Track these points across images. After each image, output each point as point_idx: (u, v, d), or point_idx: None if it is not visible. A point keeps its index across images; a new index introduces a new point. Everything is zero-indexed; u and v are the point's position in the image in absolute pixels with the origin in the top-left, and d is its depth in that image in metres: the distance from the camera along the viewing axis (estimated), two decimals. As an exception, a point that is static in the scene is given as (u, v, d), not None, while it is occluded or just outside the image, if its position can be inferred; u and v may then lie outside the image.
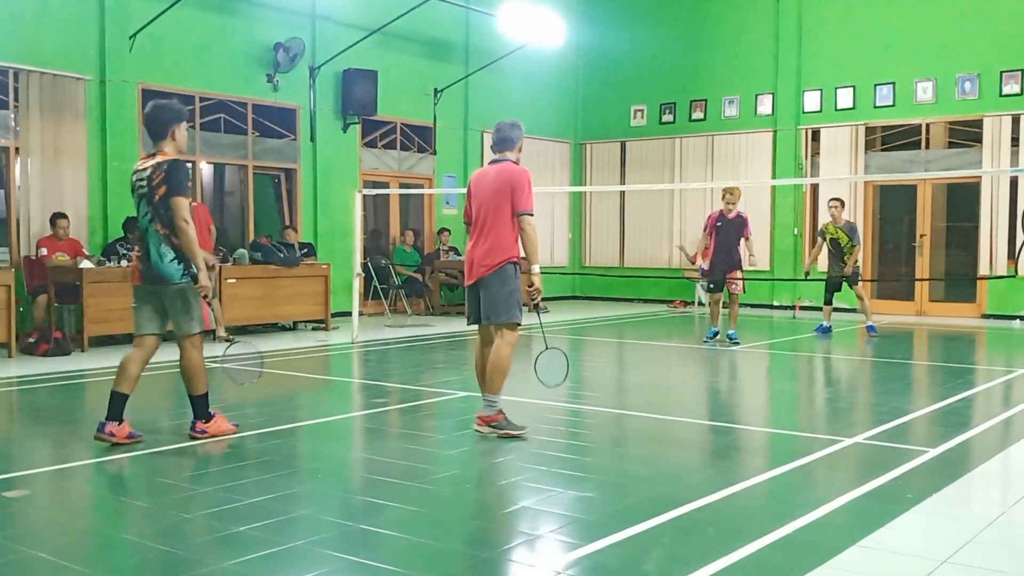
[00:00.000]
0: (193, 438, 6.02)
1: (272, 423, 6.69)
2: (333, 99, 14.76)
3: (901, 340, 12.88)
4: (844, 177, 16.29)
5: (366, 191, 13.80)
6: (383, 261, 15.40)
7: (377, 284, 15.15)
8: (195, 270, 5.86)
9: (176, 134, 5.99)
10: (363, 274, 13.16)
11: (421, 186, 16.49)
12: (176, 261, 5.85)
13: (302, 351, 11.11)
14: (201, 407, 6.08)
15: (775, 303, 17.14)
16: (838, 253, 12.87)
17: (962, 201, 16.08)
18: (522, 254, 6.28)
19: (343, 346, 11.49)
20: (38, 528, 4.47)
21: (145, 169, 5.90)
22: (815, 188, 16.83)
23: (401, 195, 16.43)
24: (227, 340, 11.36)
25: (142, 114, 6.03)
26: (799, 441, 6.47)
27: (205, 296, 5.96)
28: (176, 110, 6.04)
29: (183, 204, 5.81)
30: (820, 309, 13.59)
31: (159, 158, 5.91)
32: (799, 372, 10.33)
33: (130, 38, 12.10)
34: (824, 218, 16.24)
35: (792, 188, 16.88)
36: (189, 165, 13.35)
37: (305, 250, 13.45)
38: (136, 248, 6.08)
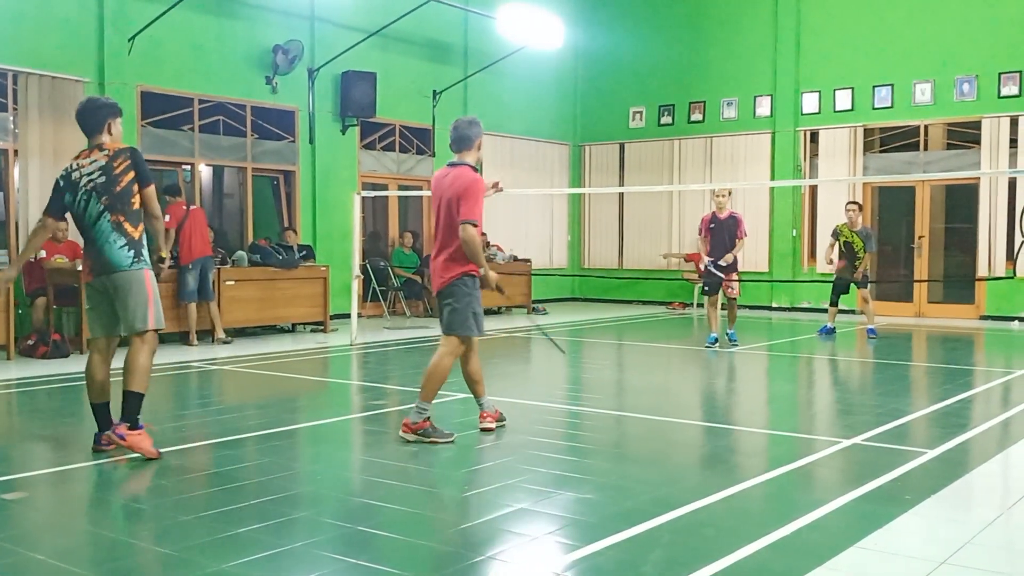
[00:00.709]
0: (108, 440, 5.64)
1: (271, 425, 6.69)
2: (332, 101, 14.76)
3: (900, 341, 12.89)
4: (843, 179, 16.31)
5: (365, 193, 13.80)
6: (382, 263, 15.40)
7: (376, 286, 15.15)
8: (148, 262, 5.77)
9: (112, 128, 5.84)
10: (362, 276, 13.17)
11: (420, 188, 16.48)
12: (127, 248, 5.67)
13: (301, 353, 11.12)
14: (131, 408, 5.66)
15: (774, 304, 17.15)
16: (850, 256, 12.82)
17: (961, 202, 16.09)
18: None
19: (342, 348, 11.49)
20: (37, 530, 4.47)
21: (96, 161, 5.70)
22: (813, 190, 16.85)
23: (400, 197, 16.44)
24: (226, 342, 11.40)
25: (77, 111, 5.94)
26: (798, 443, 6.47)
27: (159, 272, 5.89)
28: (111, 104, 5.93)
29: (155, 194, 5.83)
30: (821, 311, 13.61)
31: (110, 148, 5.75)
32: (798, 374, 10.33)
33: (129, 40, 12.11)
34: (824, 219, 16.34)
35: (791, 190, 16.90)
36: (187, 167, 13.41)
37: (304, 252, 13.45)
38: (83, 247, 5.89)
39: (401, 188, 16.27)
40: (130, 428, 5.61)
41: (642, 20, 18.66)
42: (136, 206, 5.75)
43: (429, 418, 6.12)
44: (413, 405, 6.20)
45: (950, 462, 5.72)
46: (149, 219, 5.80)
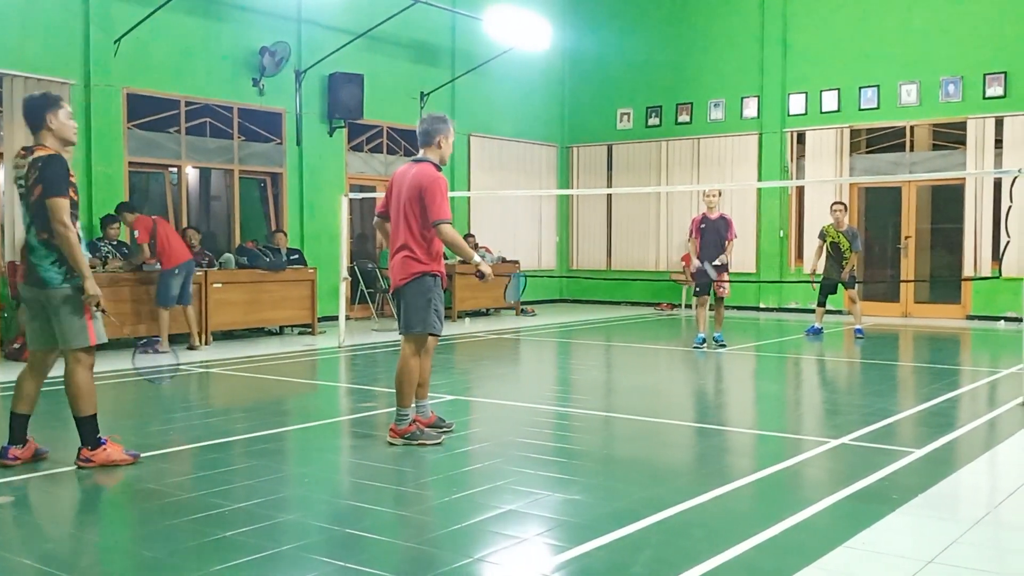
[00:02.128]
0: (80, 467, 5.43)
1: (259, 428, 6.67)
2: (319, 103, 14.74)
3: (887, 341, 12.94)
4: (829, 180, 16.37)
5: (353, 195, 13.77)
6: (370, 265, 15.38)
7: (364, 288, 15.13)
8: (80, 278, 5.32)
9: (53, 122, 5.38)
10: (350, 278, 13.14)
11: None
12: (57, 264, 5.31)
13: (288, 356, 11.09)
14: (87, 431, 5.44)
15: (761, 305, 17.20)
16: (837, 256, 12.87)
17: (946, 203, 16.16)
18: (458, 258, 6.27)
19: (330, 350, 11.47)
20: (23, 535, 4.44)
21: (22, 167, 5.34)
22: (800, 191, 16.90)
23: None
24: (193, 348, 11.24)
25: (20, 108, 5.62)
26: (786, 443, 6.49)
27: (97, 305, 5.41)
28: (51, 97, 5.49)
29: (61, 205, 5.23)
30: (808, 311, 13.65)
31: (37, 153, 5.33)
32: (786, 374, 10.36)
33: (115, 42, 12.06)
34: (811, 220, 16.40)
35: (778, 191, 16.95)
36: (174, 170, 13.35)
37: (295, 256, 13.40)
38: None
39: (389, 190, 16.22)
40: (92, 449, 5.46)
41: (629, 22, 18.69)
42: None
43: (414, 421, 6.08)
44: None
45: (937, 461, 5.74)
46: (55, 235, 5.25)
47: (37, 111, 5.41)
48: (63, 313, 5.37)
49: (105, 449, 5.50)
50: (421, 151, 6.16)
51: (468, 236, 16.82)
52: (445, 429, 6.41)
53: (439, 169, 6.10)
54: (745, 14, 17.35)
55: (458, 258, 16.91)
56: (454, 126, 6.28)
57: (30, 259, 5.39)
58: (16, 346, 10.21)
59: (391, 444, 6.02)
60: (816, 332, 13.01)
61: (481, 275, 6.10)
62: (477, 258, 6.09)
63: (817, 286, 13.32)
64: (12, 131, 11.09)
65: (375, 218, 6.37)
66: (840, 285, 12.99)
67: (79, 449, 5.50)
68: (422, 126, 6.17)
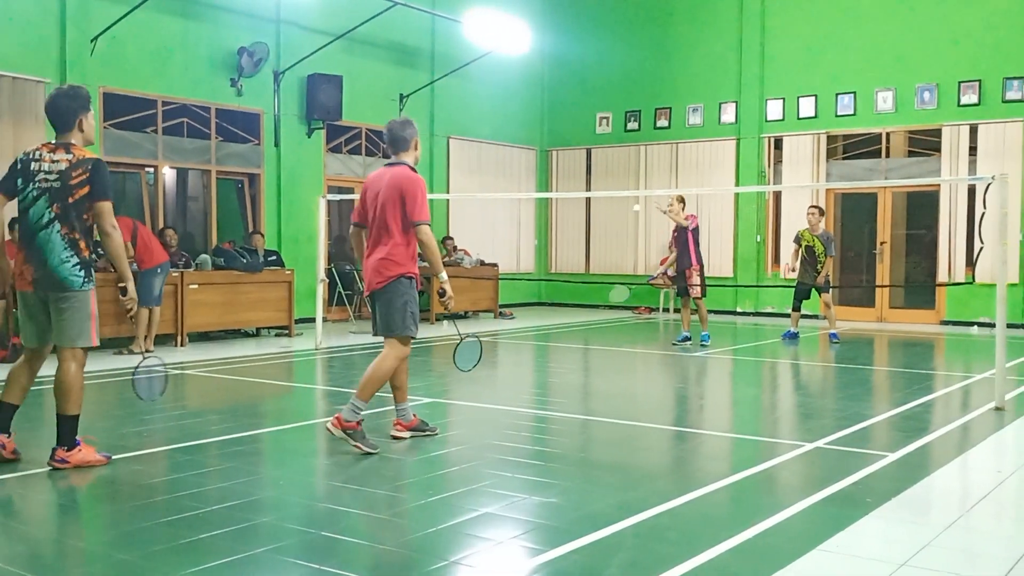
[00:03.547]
0: (54, 468, 5.40)
1: (234, 430, 6.63)
2: (298, 104, 14.69)
3: (862, 346, 13.02)
4: (806, 185, 16.49)
5: (331, 196, 13.73)
6: (347, 267, 15.33)
7: (341, 290, 15.09)
8: (126, 281, 5.51)
9: (84, 124, 5.53)
10: (327, 280, 13.10)
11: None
12: (79, 267, 5.39)
13: (265, 357, 11.04)
14: (67, 431, 5.44)
15: (738, 309, 17.27)
16: (812, 260, 12.87)
17: (921, 209, 16.31)
18: (427, 263, 6.17)
19: (306, 352, 11.42)
20: (-7, 537, 4.40)
21: (58, 162, 5.37)
22: (777, 196, 17.01)
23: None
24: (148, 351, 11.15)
25: (46, 103, 5.65)
26: (761, 446, 6.52)
27: (130, 310, 5.60)
28: (84, 96, 5.56)
29: (109, 209, 5.44)
30: (784, 315, 13.72)
31: (76, 153, 5.42)
32: (762, 378, 10.41)
33: (91, 41, 11.97)
34: (788, 225, 16.50)
35: (755, 196, 17.04)
36: (151, 170, 13.28)
37: (273, 257, 13.34)
38: (22, 247, 5.49)
39: (367, 192, 16.19)
40: (68, 449, 5.43)
41: (609, 26, 18.74)
42: (89, 222, 5.44)
43: (361, 422, 5.95)
44: (348, 403, 5.99)
45: (910, 465, 5.79)
46: (102, 237, 5.46)
47: (73, 110, 5.47)
48: (73, 313, 5.40)
49: (80, 450, 5.47)
50: (394, 155, 6.16)
51: (447, 239, 16.82)
52: (429, 432, 6.40)
53: (415, 171, 6.11)
54: (724, 20, 17.45)
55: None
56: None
57: (44, 256, 5.35)
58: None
59: (329, 431, 5.96)
60: (792, 336, 13.09)
61: (443, 293, 6.06)
62: (444, 276, 6.07)
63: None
64: (-14, 129, 11.01)
65: (351, 227, 6.29)
66: (815, 290, 13.02)
67: (54, 449, 5.45)
68: (392, 133, 6.17)
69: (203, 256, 12.62)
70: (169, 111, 13.11)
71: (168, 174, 14.28)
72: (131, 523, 4.47)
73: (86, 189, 5.37)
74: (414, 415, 6.44)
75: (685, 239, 12.14)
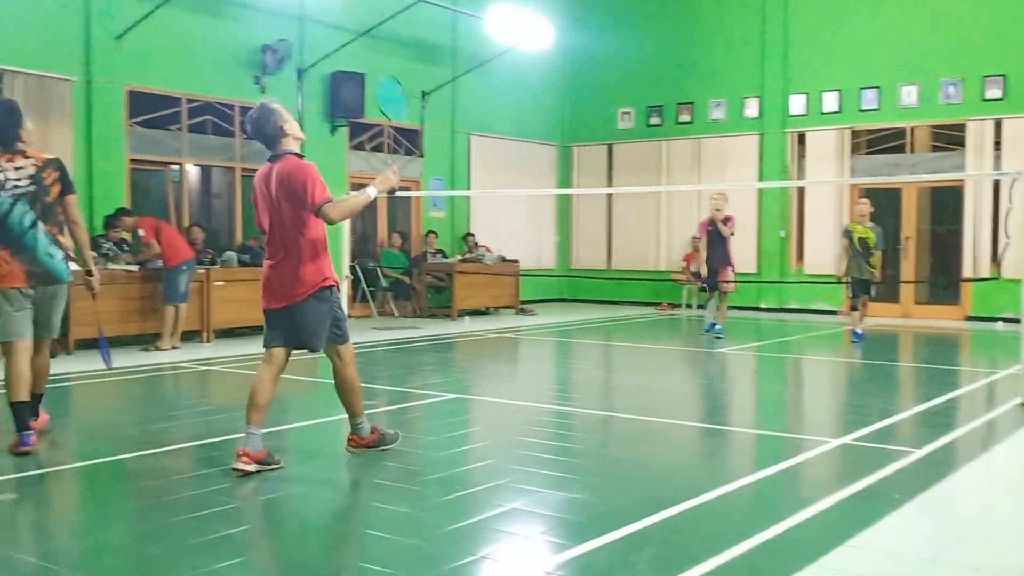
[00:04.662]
0: (24, 453, 5.67)
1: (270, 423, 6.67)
2: (321, 101, 14.74)
3: (886, 342, 12.95)
4: (830, 180, 16.40)
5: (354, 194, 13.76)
6: (371, 264, 15.39)
7: (365, 287, 15.14)
8: (90, 266, 6.17)
9: (24, 135, 5.88)
10: (351, 277, 13.14)
11: (408, 189, 16.48)
12: (64, 260, 5.93)
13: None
14: (37, 406, 6.09)
15: (761, 305, 17.21)
16: (865, 253, 12.23)
17: (946, 204, 16.19)
18: (458, 256, 6.06)
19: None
20: (24, 531, 4.46)
21: (22, 168, 5.76)
22: (801, 191, 16.92)
23: (389, 198, 16.41)
24: (174, 347, 11.22)
25: None
26: (786, 442, 6.50)
27: (93, 291, 6.22)
28: (18, 110, 5.90)
29: (76, 201, 6.03)
30: (809, 311, 13.62)
31: (35, 156, 5.85)
32: (786, 374, 10.37)
33: (117, 39, 12.06)
34: (812, 220, 16.48)
35: (778, 191, 16.96)
36: (175, 167, 13.36)
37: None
38: (4, 250, 5.75)
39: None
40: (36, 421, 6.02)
41: (631, 21, 18.70)
42: (62, 216, 5.95)
43: (374, 427, 5.77)
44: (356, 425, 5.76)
45: (936, 461, 5.76)
46: (72, 226, 6.00)
47: (9, 126, 5.81)
48: (60, 303, 6.02)
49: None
50: (272, 149, 5.46)
51: (468, 235, 16.85)
52: (275, 466, 5.37)
53: (301, 157, 5.43)
54: (747, 14, 17.36)
55: (458, 256, 16.93)
56: (276, 101, 5.52)
57: (34, 254, 5.78)
58: None
59: (352, 452, 5.73)
60: (860, 337, 12.27)
61: (392, 191, 5.59)
62: (372, 189, 5.43)
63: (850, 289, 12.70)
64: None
65: (263, 235, 5.59)
66: (864, 286, 12.36)
67: (27, 431, 5.73)
68: (257, 129, 5.42)
69: (228, 253, 12.70)
70: (194, 109, 13.20)
71: (192, 171, 14.37)
72: (161, 518, 4.52)
73: (58, 187, 5.90)
74: (264, 447, 5.41)
75: (724, 237, 12.46)
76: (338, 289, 5.58)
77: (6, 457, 5.78)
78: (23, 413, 5.75)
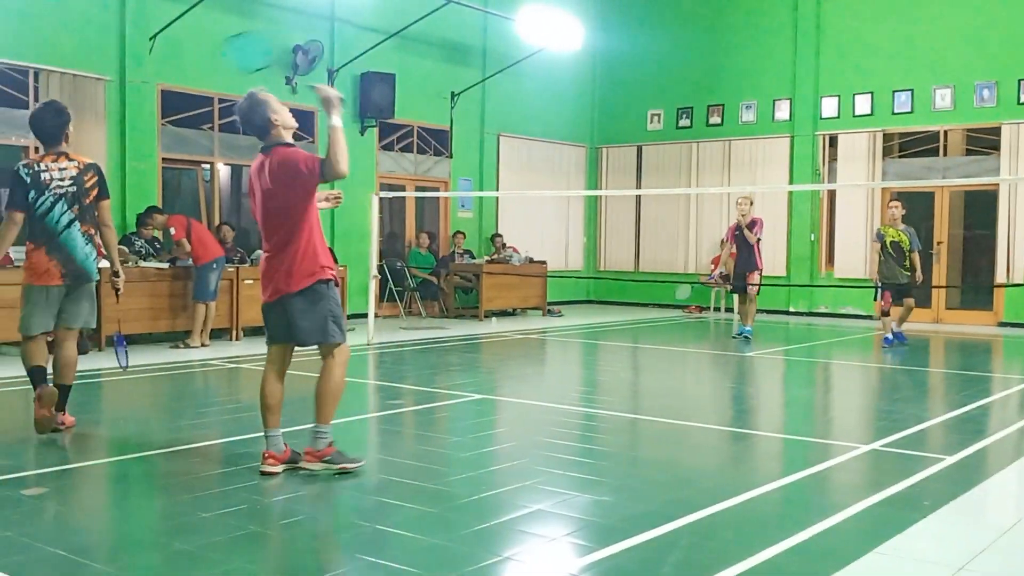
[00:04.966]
0: (55, 430, 6.13)
1: (288, 424, 6.69)
2: (351, 102, 14.80)
3: (918, 348, 12.80)
4: (861, 184, 16.25)
5: (383, 194, 13.83)
6: (399, 264, 15.44)
7: (392, 286, 15.19)
8: (117, 267, 6.43)
9: (69, 136, 6.20)
10: (379, 276, 13.20)
11: (437, 189, 16.53)
12: (96, 260, 6.24)
13: (318, 353, 11.12)
14: (66, 397, 6.28)
15: (791, 309, 17.09)
16: (899, 257, 12.13)
17: (980, 209, 16.01)
18: (485, 257, 5.97)
19: (359, 347, 11.51)
20: (55, 525, 4.50)
21: (66, 169, 6.07)
22: (832, 194, 16.79)
23: (417, 198, 16.48)
24: (204, 345, 11.31)
25: (30, 119, 6.31)
26: (815, 447, 6.45)
27: (117, 291, 6.50)
28: (67, 113, 6.22)
29: (110, 206, 6.38)
30: (838, 316, 13.51)
31: (78, 160, 6.15)
32: (815, 379, 10.29)
33: (150, 39, 12.18)
34: (843, 224, 16.37)
35: (809, 194, 16.84)
36: (207, 166, 13.47)
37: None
38: (41, 248, 6.05)
39: (418, 189, 16.32)
40: (65, 413, 6.22)
41: (661, 22, 18.64)
42: (98, 218, 6.27)
43: (332, 443, 5.28)
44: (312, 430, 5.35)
45: (968, 468, 5.69)
46: (104, 229, 6.31)
47: (58, 127, 6.11)
48: (90, 299, 6.29)
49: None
50: (265, 141, 5.29)
51: (496, 236, 16.85)
52: (350, 464, 5.35)
53: (291, 146, 5.28)
54: (778, 16, 17.26)
55: (486, 257, 16.91)
56: (265, 90, 5.36)
57: (70, 253, 6.06)
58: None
59: (308, 470, 5.22)
60: (892, 342, 12.13)
61: (335, 101, 5.06)
62: (335, 118, 5.04)
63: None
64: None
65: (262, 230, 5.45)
66: (903, 290, 12.23)
67: (57, 413, 6.13)
68: (245, 120, 5.28)
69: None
70: (225, 108, 13.28)
71: (224, 170, 14.47)
72: (189, 514, 4.55)
73: (96, 190, 6.20)
74: (286, 445, 5.40)
75: (752, 242, 12.58)
76: (337, 284, 5.36)
77: (36, 452, 5.85)
78: (39, 376, 6.15)
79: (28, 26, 11.20)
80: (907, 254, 12.16)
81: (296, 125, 5.38)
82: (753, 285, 12.57)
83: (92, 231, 6.19)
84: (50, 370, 6.30)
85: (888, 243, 12.19)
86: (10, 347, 10.14)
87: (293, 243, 5.19)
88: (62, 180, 6.04)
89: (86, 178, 6.14)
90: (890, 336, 12.19)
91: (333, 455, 5.24)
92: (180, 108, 12.82)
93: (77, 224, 6.09)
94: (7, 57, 11.01)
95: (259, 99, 5.24)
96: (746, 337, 12.57)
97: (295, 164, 5.10)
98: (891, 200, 13.03)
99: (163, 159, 12.64)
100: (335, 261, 5.30)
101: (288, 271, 5.18)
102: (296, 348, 5.47)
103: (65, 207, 6.05)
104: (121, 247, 11.45)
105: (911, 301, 12.39)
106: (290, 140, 5.29)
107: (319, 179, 5.08)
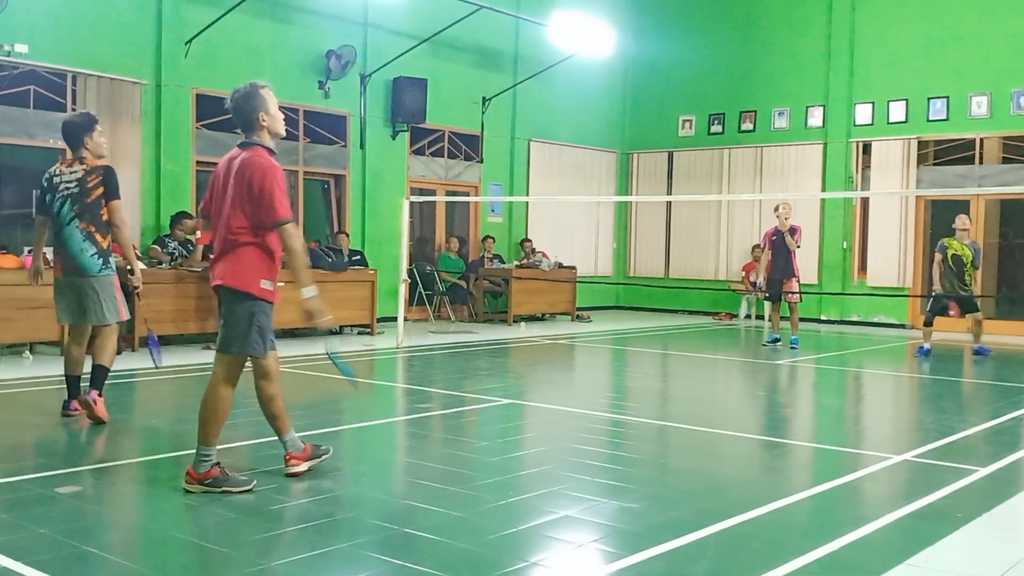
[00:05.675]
0: (83, 401, 6.55)
1: (316, 426, 6.74)
2: (383, 107, 14.88)
3: (952, 358, 12.66)
4: (895, 191, 16.10)
5: (414, 198, 13.88)
6: (428, 268, 15.48)
7: (422, 290, 15.23)
8: (133, 265, 6.81)
9: (89, 142, 6.58)
10: (409, 280, 13.25)
11: (467, 194, 16.56)
12: (97, 256, 6.51)
13: (347, 355, 11.18)
14: (100, 378, 6.62)
15: (822, 317, 16.96)
16: (958, 272, 12.07)
17: (1016, 217, 15.81)
18: (515, 262, 5.77)
19: (388, 351, 11.56)
20: (90, 524, 4.55)
21: (75, 172, 6.54)
22: (865, 202, 16.65)
23: (447, 203, 16.52)
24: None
25: (62, 127, 6.82)
26: (846, 457, 6.39)
27: (136, 288, 6.93)
28: (90, 119, 6.69)
29: (120, 206, 6.65)
30: (871, 324, 13.38)
31: (88, 163, 6.56)
32: (847, 388, 10.20)
33: (186, 44, 12.31)
34: (876, 232, 16.24)
35: (842, 202, 16.71)
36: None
37: (357, 257, 13.55)
38: (53, 245, 6.71)
39: (449, 193, 16.36)
40: (99, 394, 6.55)
41: (693, 28, 18.58)
42: (105, 218, 6.56)
43: (218, 463, 4.93)
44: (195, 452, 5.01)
45: (1002, 481, 5.62)
46: (115, 229, 6.63)
47: (78, 131, 6.59)
48: (97, 295, 6.55)
49: (102, 401, 6.59)
50: (245, 136, 5.03)
51: (526, 240, 16.86)
52: (323, 455, 5.40)
53: (272, 154, 5.00)
54: (812, 22, 17.14)
55: (515, 262, 16.94)
56: (269, 89, 5.09)
57: (68, 248, 6.51)
58: None
59: (188, 491, 4.90)
60: (926, 353, 12.11)
61: (310, 315, 4.95)
62: (309, 291, 4.89)
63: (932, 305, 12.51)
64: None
65: (199, 218, 5.47)
66: (966, 305, 12.25)
67: (89, 389, 6.54)
68: (235, 106, 5.01)
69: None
70: (258, 112, 13.38)
71: (256, 174, 14.60)
72: (219, 514, 4.58)
73: (100, 190, 6.54)
74: (305, 443, 5.37)
75: (792, 248, 12.59)
76: (270, 305, 5.01)
77: (70, 451, 5.92)
78: (69, 384, 6.76)
79: (66, 31, 11.36)
80: (967, 268, 12.10)
81: (283, 134, 5.15)
82: (793, 293, 12.56)
83: (92, 228, 6.50)
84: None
85: (949, 255, 12.14)
86: (45, 346, 10.28)
87: (236, 251, 4.89)
88: (69, 183, 6.52)
89: (89, 179, 6.51)
90: (926, 346, 12.15)
91: (216, 477, 4.90)
92: (214, 112, 12.92)
93: (77, 221, 6.49)
94: (46, 61, 11.17)
95: (255, 92, 4.99)
96: (792, 346, 12.49)
97: (267, 190, 4.79)
98: (960, 214, 12.75)
99: (197, 162, 12.76)
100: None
101: (227, 274, 4.91)
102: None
103: (69, 207, 6.50)
104: (154, 246, 11.62)
105: (979, 315, 12.34)
106: (271, 146, 5.01)
107: (271, 225, 4.85)
